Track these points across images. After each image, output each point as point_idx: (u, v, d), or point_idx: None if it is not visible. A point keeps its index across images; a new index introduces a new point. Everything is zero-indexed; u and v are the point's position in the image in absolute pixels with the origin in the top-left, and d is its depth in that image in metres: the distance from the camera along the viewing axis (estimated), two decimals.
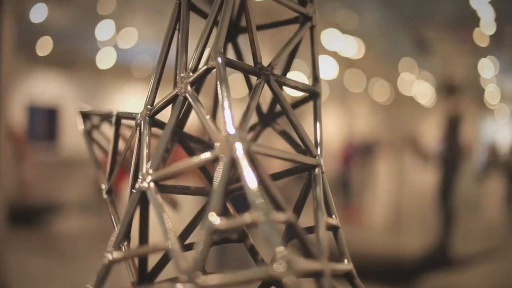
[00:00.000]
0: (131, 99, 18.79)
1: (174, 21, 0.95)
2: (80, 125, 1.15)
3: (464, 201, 13.45)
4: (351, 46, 12.71)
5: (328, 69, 14.62)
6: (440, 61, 16.06)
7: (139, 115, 0.89)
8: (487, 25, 11.06)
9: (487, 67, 16.57)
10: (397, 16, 11.90)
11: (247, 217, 0.71)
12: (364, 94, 22.83)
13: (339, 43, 12.06)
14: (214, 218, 0.71)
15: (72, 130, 16.54)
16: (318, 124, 1.06)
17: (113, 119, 0.98)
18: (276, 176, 1.02)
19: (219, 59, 0.82)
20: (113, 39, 12.01)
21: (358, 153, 14.26)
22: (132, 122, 0.94)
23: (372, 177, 11.14)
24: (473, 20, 10.85)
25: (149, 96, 0.90)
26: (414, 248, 6.78)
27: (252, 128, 1.21)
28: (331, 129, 22.83)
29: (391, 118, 24.64)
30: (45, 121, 17.10)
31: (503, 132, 26.27)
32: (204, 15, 1.09)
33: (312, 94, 1.09)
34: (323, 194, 0.97)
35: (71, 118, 16.96)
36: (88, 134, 1.15)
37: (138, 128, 0.89)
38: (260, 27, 1.13)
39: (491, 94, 23.30)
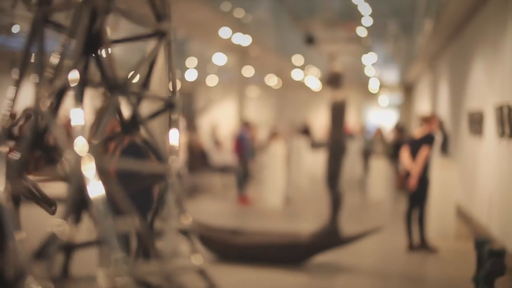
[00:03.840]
0: None
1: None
2: None
3: (351, 183, 14.47)
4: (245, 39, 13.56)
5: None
6: (326, 52, 16.98)
7: None
8: (367, 20, 11.95)
9: (369, 59, 17.86)
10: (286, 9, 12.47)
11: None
12: (256, 78, 23.54)
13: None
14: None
15: None
16: (173, 132, 1.19)
17: None
18: (129, 185, 1.21)
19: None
20: None
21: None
22: None
23: (267, 162, 11.52)
24: (356, 15, 11.68)
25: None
26: (307, 231, 7.30)
27: (114, 137, 1.37)
28: (230, 112, 23.05)
29: (283, 101, 25.43)
30: None
31: (386, 115, 28.52)
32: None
33: (169, 105, 1.24)
34: (177, 200, 1.13)
35: None
36: None
37: None
38: (117, 41, 1.26)
39: (373, 83, 25.17)
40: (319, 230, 7.04)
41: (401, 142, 13.55)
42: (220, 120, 25.60)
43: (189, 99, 25.45)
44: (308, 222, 8.96)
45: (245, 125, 12.25)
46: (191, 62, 20.51)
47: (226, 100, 26.11)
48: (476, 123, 8.77)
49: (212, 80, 26.37)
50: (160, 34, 1.20)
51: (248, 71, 19.13)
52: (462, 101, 10.58)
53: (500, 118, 6.88)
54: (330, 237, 6.84)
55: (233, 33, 12.97)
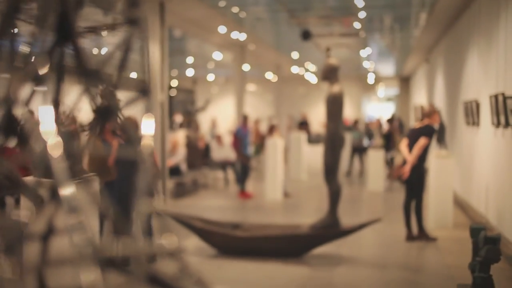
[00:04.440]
0: None
1: None
2: None
3: (349, 176, 14.57)
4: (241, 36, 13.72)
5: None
6: (323, 46, 17.04)
7: None
8: (362, 14, 12.01)
9: (365, 52, 17.94)
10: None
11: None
12: (254, 73, 23.58)
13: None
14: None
15: None
16: (149, 119, 1.22)
17: None
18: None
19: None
20: None
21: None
22: None
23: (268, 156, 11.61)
24: (352, 9, 11.74)
25: None
26: (307, 223, 7.40)
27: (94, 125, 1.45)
28: (229, 107, 23.12)
29: (281, 95, 25.49)
30: None
31: (383, 107, 28.73)
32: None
33: (143, 92, 1.28)
34: (149, 183, 1.16)
35: None
36: None
37: None
38: (88, 30, 1.31)
39: (370, 75, 25.30)
40: (318, 222, 7.13)
41: (392, 133, 13.70)
42: (219, 115, 25.69)
43: (190, 96, 25.48)
44: (307, 215, 9.06)
45: (243, 120, 12.30)
46: (192, 59, 20.59)
47: (226, 96, 26.20)
48: (471, 113, 8.86)
49: (212, 77, 26.46)
50: (132, 22, 1.22)
51: (246, 67, 19.29)
52: (457, 92, 10.66)
53: (495, 108, 6.97)
54: (330, 229, 6.93)
55: (231, 29, 13.09)
